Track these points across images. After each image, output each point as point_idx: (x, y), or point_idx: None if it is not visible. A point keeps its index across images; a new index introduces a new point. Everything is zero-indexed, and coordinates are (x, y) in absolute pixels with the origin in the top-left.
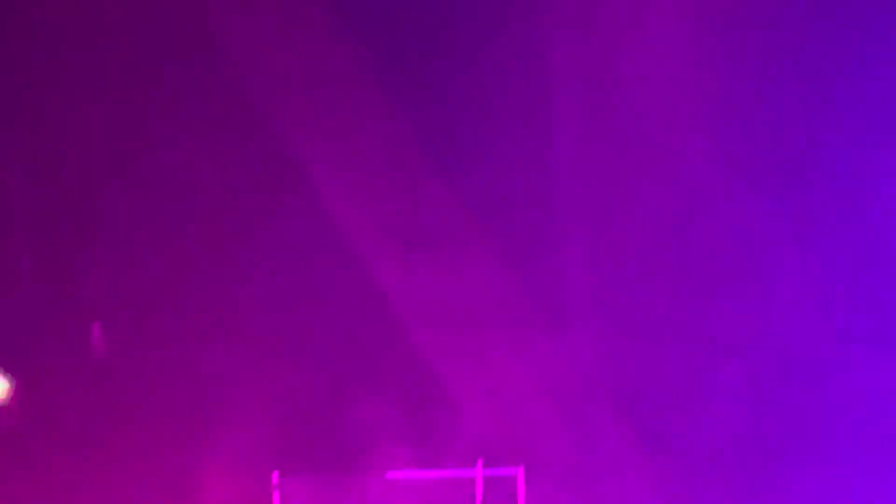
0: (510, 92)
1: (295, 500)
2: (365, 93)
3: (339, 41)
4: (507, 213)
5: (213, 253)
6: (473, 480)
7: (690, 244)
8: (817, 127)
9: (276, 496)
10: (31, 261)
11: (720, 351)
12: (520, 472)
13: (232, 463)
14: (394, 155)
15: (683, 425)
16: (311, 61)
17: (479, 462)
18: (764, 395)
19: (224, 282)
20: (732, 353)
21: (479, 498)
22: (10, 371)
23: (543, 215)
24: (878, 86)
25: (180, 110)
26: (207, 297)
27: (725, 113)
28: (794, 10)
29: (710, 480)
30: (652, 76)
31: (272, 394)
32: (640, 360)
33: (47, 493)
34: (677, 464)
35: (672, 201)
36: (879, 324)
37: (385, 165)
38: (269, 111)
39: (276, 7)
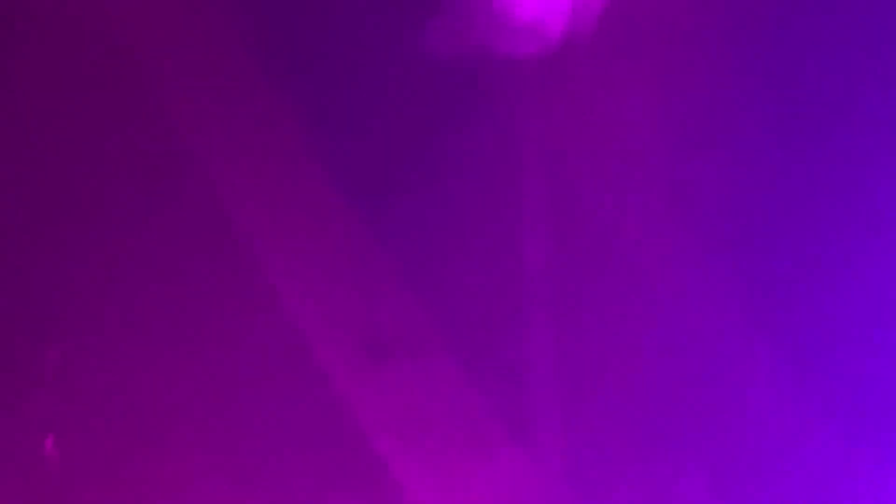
0: (479, 200)
1: None
2: (327, 199)
3: (299, 143)
4: (473, 322)
5: (169, 365)
6: None
7: (660, 356)
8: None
9: None
10: None
11: (692, 466)
12: None
13: None
14: (356, 263)
15: None
16: (271, 161)
17: None
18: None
19: (180, 393)
20: (703, 466)
21: None
22: None
23: (510, 325)
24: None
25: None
26: (164, 411)
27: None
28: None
29: None
30: (629, 198)
31: None
32: (608, 473)
33: None
34: None
35: (641, 314)
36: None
37: (347, 273)
38: (225, 213)
39: (246, 117)
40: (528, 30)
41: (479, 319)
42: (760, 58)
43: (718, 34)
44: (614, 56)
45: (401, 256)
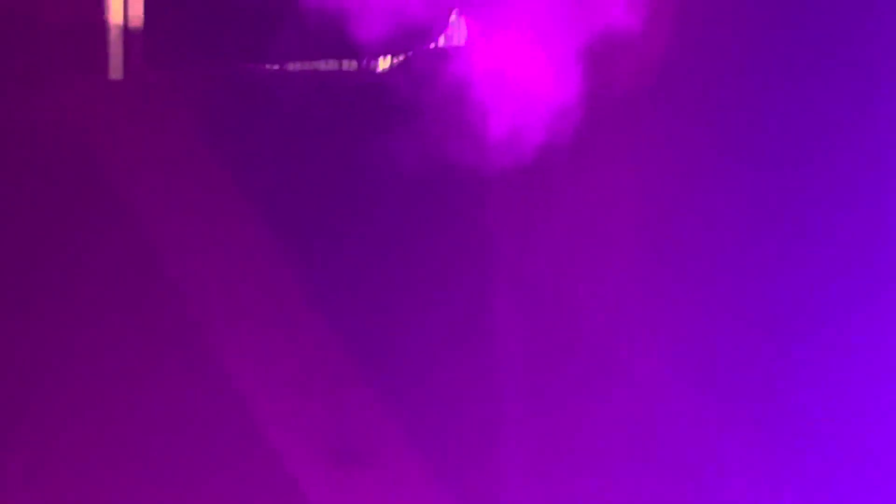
0: (452, 312)
1: None
2: (296, 307)
3: (269, 255)
4: (442, 426)
5: (134, 479)
6: None
7: (632, 467)
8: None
9: None
10: None
11: None
12: None
13: None
14: (324, 368)
15: None
16: (239, 267)
17: None
18: None
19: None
20: None
21: None
22: None
23: (481, 430)
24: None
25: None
26: None
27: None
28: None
29: None
30: (608, 313)
31: None
32: None
33: None
34: None
35: (618, 432)
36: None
37: (315, 378)
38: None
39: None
40: (504, 142)
41: (448, 428)
42: (744, 168)
43: (696, 143)
44: (591, 168)
45: (371, 363)
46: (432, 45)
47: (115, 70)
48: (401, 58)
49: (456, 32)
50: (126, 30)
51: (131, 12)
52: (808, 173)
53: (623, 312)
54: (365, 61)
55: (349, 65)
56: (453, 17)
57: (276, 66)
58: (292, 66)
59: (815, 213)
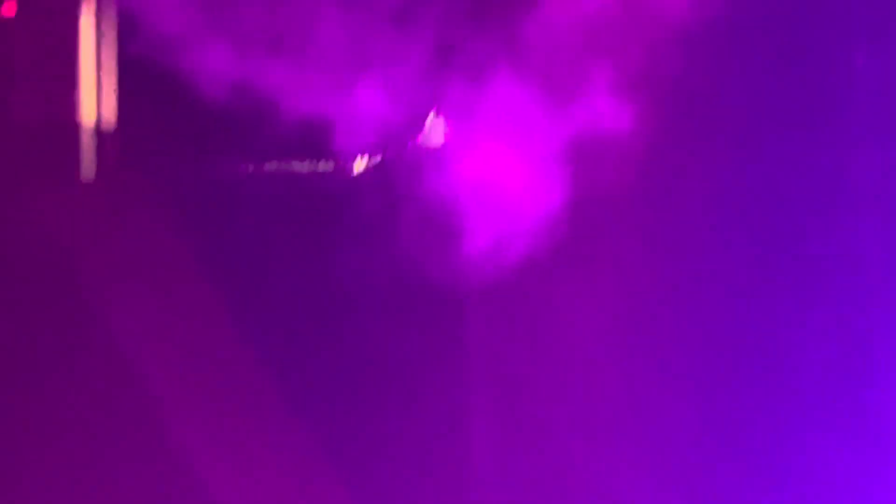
0: (425, 420)
1: None
2: (268, 414)
3: (244, 369)
4: None
5: None
6: None
7: None
8: None
9: None
10: None
11: None
12: None
13: None
14: (306, 478)
15: None
16: (217, 374)
17: None
18: None
19: None
20: None
21: None
22: None
23: None
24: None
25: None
26: None
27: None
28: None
29: None
30: (586, 423)
31: None
32: None
33: None
34: None
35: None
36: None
37: (290, 467)
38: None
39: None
40: (482, 247)
41: None
42: (731, 275)
43: (679, 250)
44: (571, 275)
45: (348, 449)
46: (409, 148)
47: (88, 172)
48: (377, 160)
49: (434, 134)
50: (98, 131)
51: (104, 114)
52: (795, 274)
53: (604, 426)
54: (341, 163)
55: (325, 166)
56: (430, 119)
57: (251, 167)
58: (267, 167)
59: (802, 324)
